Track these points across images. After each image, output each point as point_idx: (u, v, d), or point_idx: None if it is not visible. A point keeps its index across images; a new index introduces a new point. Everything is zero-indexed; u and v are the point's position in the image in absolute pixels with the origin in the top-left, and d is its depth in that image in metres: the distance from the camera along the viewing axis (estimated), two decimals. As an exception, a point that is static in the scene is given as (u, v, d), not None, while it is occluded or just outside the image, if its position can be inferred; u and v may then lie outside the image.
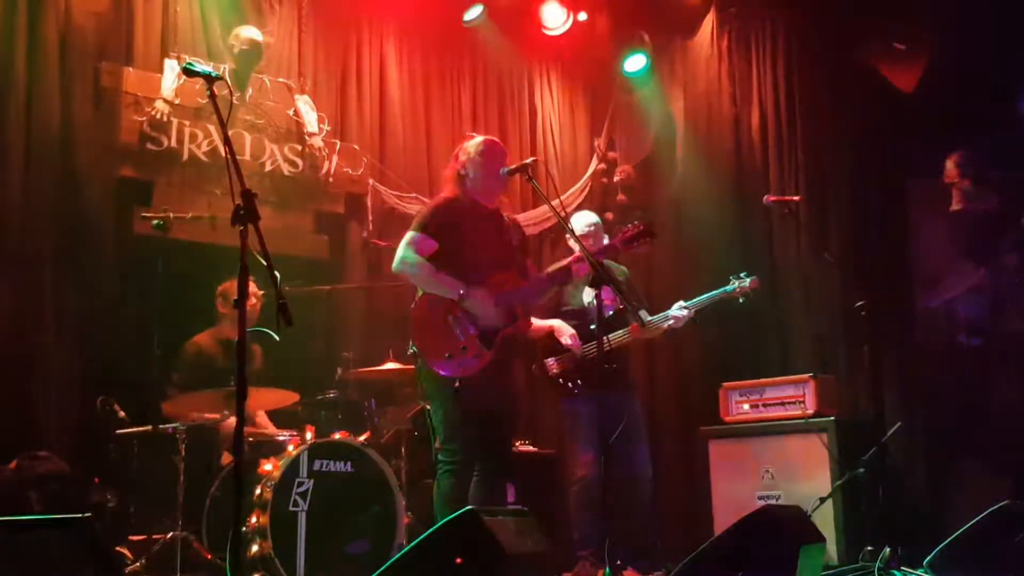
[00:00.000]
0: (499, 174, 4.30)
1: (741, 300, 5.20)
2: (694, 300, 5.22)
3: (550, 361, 5.24)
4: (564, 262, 4.46)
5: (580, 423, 5.14)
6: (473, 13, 6.97)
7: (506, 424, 4.30)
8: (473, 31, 7.10)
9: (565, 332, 5.17)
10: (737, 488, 5.59)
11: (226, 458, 4.97)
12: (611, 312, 5.20)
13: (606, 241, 5.18)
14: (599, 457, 5.05)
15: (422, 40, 7.08)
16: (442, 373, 4.11)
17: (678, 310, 5.18)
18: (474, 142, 4.41)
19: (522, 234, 4.57)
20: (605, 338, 4.85)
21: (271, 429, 5.36)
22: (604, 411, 4.77)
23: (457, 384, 4.09)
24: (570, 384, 5.15)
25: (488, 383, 4.13)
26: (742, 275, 5.21)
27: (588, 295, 5.30)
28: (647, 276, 6.93)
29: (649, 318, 5.21)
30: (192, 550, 4.55)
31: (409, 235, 4.25)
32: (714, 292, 5.21)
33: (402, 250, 4.23)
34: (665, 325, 5.21)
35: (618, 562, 4.60)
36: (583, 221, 5.40)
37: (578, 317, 5.22)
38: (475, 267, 4.19)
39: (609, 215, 7.61)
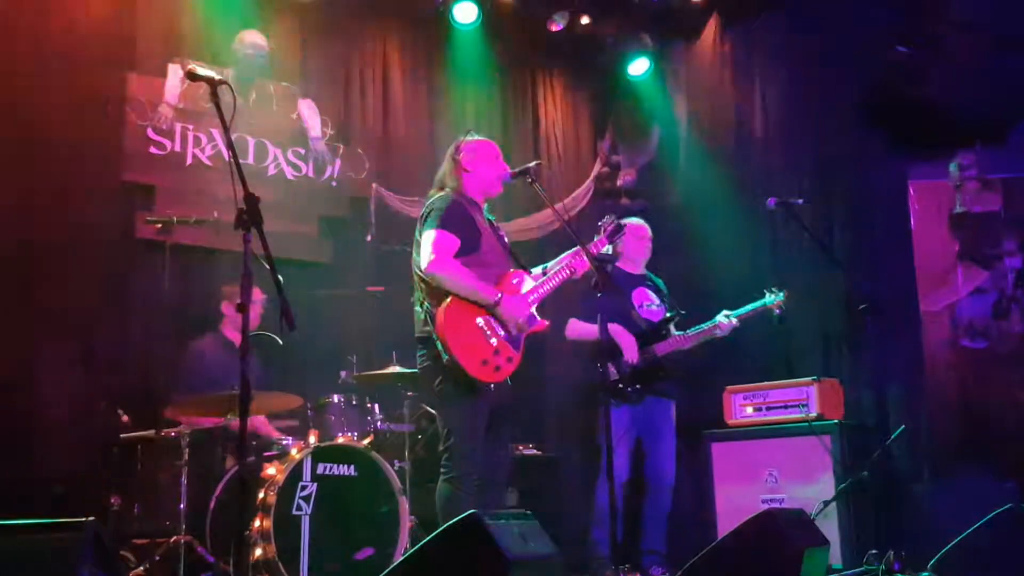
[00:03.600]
0: (498, 175, 4.29)
1: (778, 312, 5.29)
2: (738, 311, 5.34)
3: (610, 366, 5.25)
4: (560, 261, 4.41)
5: (623, 427, 5.18)
6: (466, 16, 6.96)
7: (507, 429, 4.29)
8: (477, 34, 7.11)
9: (625, 339, 5.20)
10: (740, 491, 5.57)
11: (230, 462, 4.97)
12: (658, 321, 5.33)
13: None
14: (631, 461, 5.25)
15: (425, 44, 7.09)
16: (481, 379, 3.98)
17: (724, 318, 5.29)
18: (473, 141, 4.37)
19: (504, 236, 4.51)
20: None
21: (273, 433, 5.36)
22: (645, 416, 5.16)
23: (492, 387, 4.03)
24: (629, 390, 5.19)
25: (506, 387, 4.12)
26: (773, 289, 5.37)
27: (636, 298, 5.42)
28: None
29: (696, 328, 5.35)
30: (195, 554, 4.54)
31: (432, 233, 4.04)
32: (755, 304, 5.35)
33: (431, 251, 4.01)
34: (716, 334, 5.33)
35: (625, 565, 4.62)
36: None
37: (624, 321, 5.22)
38: (492, 266, 4.15)
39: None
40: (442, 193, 4.25)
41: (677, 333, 5.36)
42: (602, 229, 4.45)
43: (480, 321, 4.01)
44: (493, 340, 4.01)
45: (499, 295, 4.02)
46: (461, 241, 4.06)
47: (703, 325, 5.34)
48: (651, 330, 5.28)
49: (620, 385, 5.20)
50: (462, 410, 4.05)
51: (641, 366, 5.22)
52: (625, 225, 4.51)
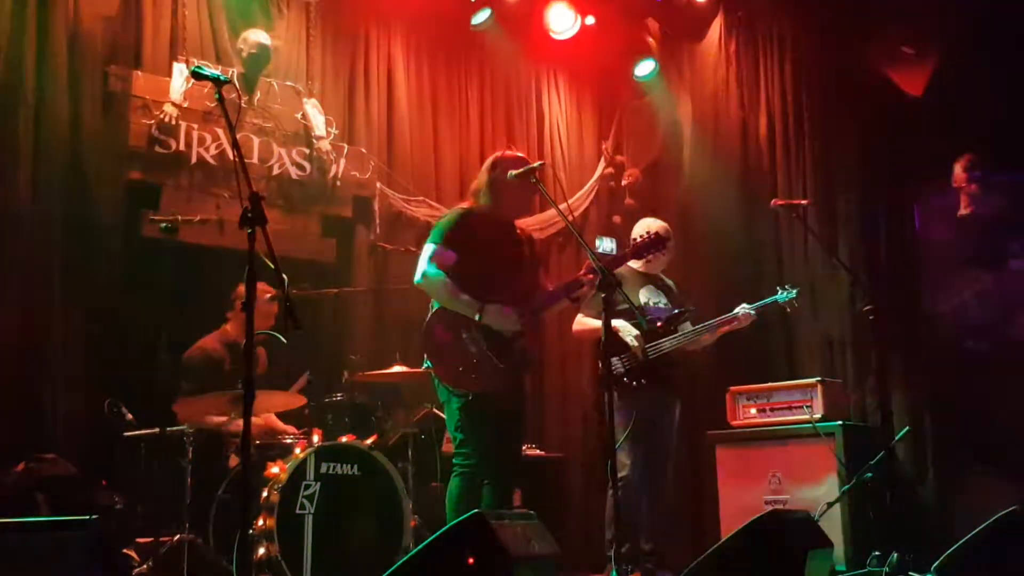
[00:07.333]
0: (528, 199, 4.36)
1: (788, 310, 5.42)
2: (757, 303, 5.34)
3: (615, 360, 5.23)
4: (577, 274, 4.43)
5: (631, 423, 5.15)
6: (481, 17, 6.98)
7: (515, 433, 4.31)
8: (481, 35, 7.11)
9: (630, 332, 5.16)
10: (744, 492, 5.58)
11: (233, 461, 4.98)
12: (665, 318, 5.25)
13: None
14: (642, 457, 5.12)
15: (430, 44, 7.09)
16: (457, 388, 4.12)
17: (742, 310, 5.27)
18: (512, 158, 4.40)
19: (534, 246, 4.56)
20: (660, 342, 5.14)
21: (281, 426, 5.36)
22: (647, 413, 5.05)
23: (470, 397, 4.10)
24: (635, 384, 5.14)
25: (500, 394, 4.14)
26: (787, 286, 5.39)
27: (643, 295, 5.34)
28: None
29: (701, 324, 5.32)
30: (199, 553, 4.55)
31: (429, 248, 4.23)
32: (770, 299, 5.36)
33: (423, 264, 4.21)
34: (734, 326, 5.31)
35: (626, 566, 4.61)
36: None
37: (630, 317, 5.20)
38: (490, 279, 4.20)
39: (617, 218, 7.62)
40: (457, 207, 4.39)
41: (687, 329, 5.32)
42: (636, 241, 4.47)
43: (465, 332, 4.11)
44: (473, 350, 4.09)
45: (481, 305, 4.10)
46: (459, 255, 4.19)
47: (714, 320, 5.31)
48: (657, 327, 5.25)
49: (625, 380, 5.18)
50: (458, 412, 4.15)
51: (645, 361, 5.19)
52: (664, 242, 4.50)
